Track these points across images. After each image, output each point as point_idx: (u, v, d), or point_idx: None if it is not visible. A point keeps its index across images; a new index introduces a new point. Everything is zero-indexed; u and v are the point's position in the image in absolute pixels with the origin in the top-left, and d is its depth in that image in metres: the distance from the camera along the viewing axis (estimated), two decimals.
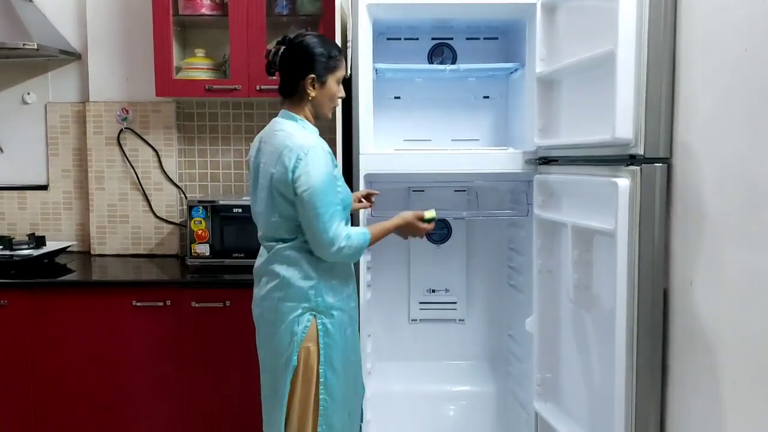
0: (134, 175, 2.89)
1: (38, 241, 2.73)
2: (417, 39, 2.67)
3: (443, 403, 2.77)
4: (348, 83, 2.15)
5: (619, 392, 1.64)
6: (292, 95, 1.93)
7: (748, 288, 1.31)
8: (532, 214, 2.21)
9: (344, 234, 1.83)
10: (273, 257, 1.89)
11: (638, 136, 1.60)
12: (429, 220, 2.06)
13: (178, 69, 2.71)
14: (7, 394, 2.43)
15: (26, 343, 2.42)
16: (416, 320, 2.81)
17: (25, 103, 2.96)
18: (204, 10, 2.67)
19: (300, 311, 1.86)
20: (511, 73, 2.58)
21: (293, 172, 1.79)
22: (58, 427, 2.45)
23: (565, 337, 2.05)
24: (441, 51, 2.68)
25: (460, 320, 2.80)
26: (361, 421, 2.12)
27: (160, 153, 2.88)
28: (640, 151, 1.60)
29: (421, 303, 2.80)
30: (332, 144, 2.05)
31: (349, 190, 1.95)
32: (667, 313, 1.62)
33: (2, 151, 2.99)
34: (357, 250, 1.87)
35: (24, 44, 2.55)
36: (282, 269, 1.87)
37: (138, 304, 2.40)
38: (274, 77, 1.95)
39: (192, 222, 2.56)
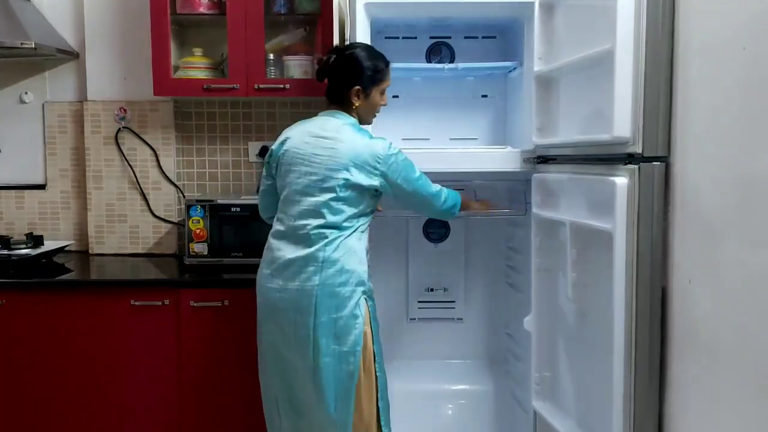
0: (132, 174, 2.89)
1: (36, 240, 2.72)
2: (415, 38, 2.67)
3: (442, 402, 2.78)
4: None
5: (617, 391, 1.64)
6: (339, 102, 2.09)
7: (747, 286, 1.31)
8: (530, 212, 2.21)
9: (440, 187, 2.11)
10: (329, 245, 1.97)
11: (636, 135, 1.60)
12: None
13: (176, 68, 2.70)
14: (5, 393, 2.43)
15: (24, 343, 2.41)
16: (415, 319, 2.81)
17: (22, 102, 2.95)
18: (202, 9, 2.66)
19: (359, 296, 1.98)
20: (510, 71, 2.58)
21: (385, 160, 1.98)
22: (56, 426, 2.44)
23: (563, 335, 2.05)
24: (439, 50, 2.68)
25: (458, 319, 2.81)
26: None
27: (158, 152, 2.88)
28: (639, 149, 1.60)
29: (419, 302, 2.80)
30: None
31: None
32: (665, 312, 1.62)
33: (0, 150, 2.98)
34: (454, 197, 2.15)
35: (22, 43, 2.54)
36: (341, 255, 1.97)
37: (136, 303, 2.40)
38: (323, 82, 2.11)
39: (190, 221, 2.56)
